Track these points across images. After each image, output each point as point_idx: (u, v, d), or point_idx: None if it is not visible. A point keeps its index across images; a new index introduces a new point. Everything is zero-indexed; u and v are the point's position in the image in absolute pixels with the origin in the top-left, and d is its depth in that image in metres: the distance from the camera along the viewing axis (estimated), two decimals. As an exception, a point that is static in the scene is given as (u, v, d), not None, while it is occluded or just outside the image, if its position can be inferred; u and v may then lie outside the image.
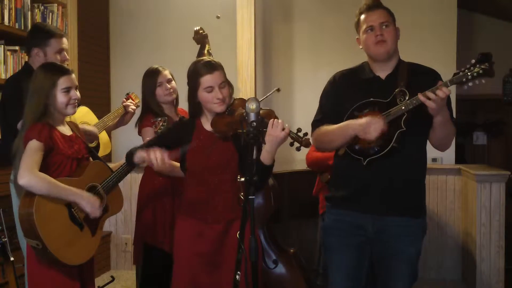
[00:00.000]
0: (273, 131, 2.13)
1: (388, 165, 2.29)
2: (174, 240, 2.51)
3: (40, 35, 2.95)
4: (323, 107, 2.51)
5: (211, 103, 2.34)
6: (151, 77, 3.06)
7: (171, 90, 3.07)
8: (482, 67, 2.08)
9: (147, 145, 2.45)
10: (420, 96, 2.13)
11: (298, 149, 2.17)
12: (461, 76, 2.11)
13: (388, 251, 2.34)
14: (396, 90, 2.26)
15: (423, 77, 2.29)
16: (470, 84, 2.11)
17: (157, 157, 2.29)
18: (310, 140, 2.22)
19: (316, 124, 2.48)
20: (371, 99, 2.30)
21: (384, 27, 2.34)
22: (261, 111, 2.14)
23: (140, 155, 2.38)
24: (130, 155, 2.46)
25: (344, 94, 2.42)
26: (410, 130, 2.24)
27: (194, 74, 2.36)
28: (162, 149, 2.34)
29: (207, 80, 2.32)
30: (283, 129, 2.13)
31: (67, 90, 2.41)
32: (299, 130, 2.18)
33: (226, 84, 2.38)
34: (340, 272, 2.42)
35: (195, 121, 2.45)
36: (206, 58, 2.42)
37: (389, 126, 2.22)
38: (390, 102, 2.26)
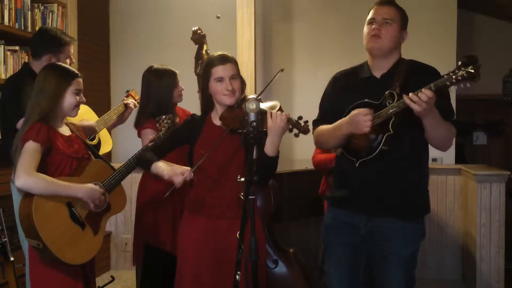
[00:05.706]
0: (273, 121, 2.16)
1: (381, 168, 2.27)
2: (178, 237, 2.51)
3: (55, 42, 2.97)
4: (323, 107, 2.53)
5: (221, 94, 2.36)
6: (171, 77, 3.03)
7: (182, 92, 3.10)
8: (467, 70, 1.97)
9: (159, 143, 2.47)
10: (406, 99, 2.09)
11: (296, 135, 2.18)
12: (445, 79, 2.02)
13: (380, 253, 2.33)
14: (386, 93, 2.22)
15: (422, 77, 2.18)
16: (455, 87, 2.01)
17: (180, 181, 2.28)
18: (310, 128, 2.21)
19: (315, 123, 2.50)
20: (366, 100, 2.28)
21: (385, 23, 2.30)
22: (267, 104, 2.17)
23: (160, 171, 2.35)
24: (145, 160, 2.44)
25: (342, 94, 2.41)
26: (403, 132, 2.22)
27: (207, 65, 2.40)
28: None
29: (218, 70, 2.36)
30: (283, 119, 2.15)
31: (78, 92, 2.43)
32: (300, 117, 2.20)
33: (238, 77, 2.40)
34: (337, 270, 2.43)
35: (205, 117, 2.47)
36: (221, 52, 2.45)
37: (379, 129, 2.21)
38: (381, 104, 2.24)
